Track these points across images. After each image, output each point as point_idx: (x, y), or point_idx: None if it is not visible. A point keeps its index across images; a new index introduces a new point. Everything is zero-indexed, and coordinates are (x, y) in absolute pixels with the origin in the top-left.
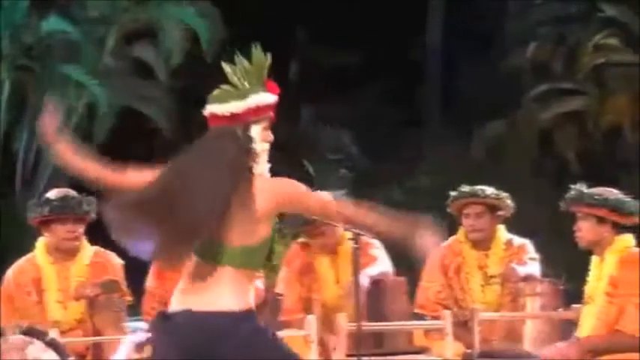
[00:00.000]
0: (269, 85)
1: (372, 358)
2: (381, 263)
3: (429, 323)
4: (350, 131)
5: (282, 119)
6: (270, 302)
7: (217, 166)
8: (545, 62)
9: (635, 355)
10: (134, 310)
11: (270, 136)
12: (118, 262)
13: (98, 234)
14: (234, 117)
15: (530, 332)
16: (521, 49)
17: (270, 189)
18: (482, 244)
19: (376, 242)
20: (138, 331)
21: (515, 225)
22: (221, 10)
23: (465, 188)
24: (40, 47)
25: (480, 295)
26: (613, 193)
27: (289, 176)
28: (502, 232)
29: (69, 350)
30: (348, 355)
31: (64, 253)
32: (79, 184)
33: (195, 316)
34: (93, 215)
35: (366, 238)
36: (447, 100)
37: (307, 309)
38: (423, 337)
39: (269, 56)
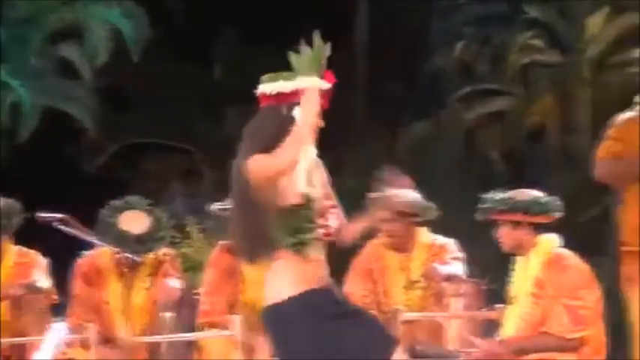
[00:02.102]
0: (326, 74)
1: None
2: None
3: None
4: None
5: (207, 119)
6: (188, 302)
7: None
8: (470, 63)
9: (561, 355)
10: (60, 311)
11: (319, 122)
12: (41, 260)
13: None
14: (280, 96)
15: (454, 332)
16: (447, 49)
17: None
18: (404, 247)
19: None
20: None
21: (440, 225)
22: (147, 11)
23: (378, 194)
24: None
25: (403, 298)
26: (524, 194)
27: (210, 178)
28: (424, 235)
29: None
30: (273, 356)
31: None
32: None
33: None
34: (15, 227)
35: None
36: (372, 100)
37: (231, 310)
38: None
39: (328, 46)
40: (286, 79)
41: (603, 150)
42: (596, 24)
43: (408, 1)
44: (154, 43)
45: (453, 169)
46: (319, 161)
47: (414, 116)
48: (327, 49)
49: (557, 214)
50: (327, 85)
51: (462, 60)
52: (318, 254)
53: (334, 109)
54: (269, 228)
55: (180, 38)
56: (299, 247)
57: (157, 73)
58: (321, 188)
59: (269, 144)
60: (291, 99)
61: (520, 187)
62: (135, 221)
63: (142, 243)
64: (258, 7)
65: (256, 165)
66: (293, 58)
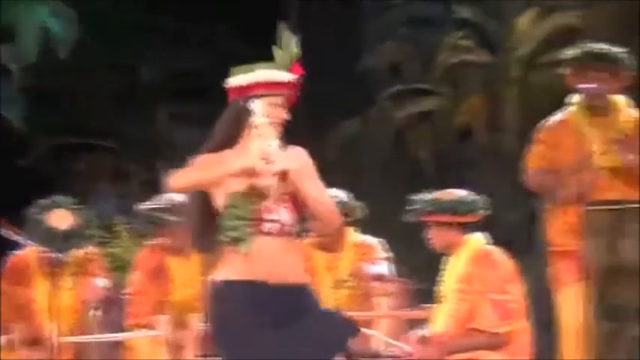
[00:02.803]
0: (293, 67)
1: None
2: None
3: None
4: (205, 131)
5: (136, 121)
6: (115, 302)
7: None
8: (400, 62)
9: (488, 354)
10: None
11: (280, 114)
12: None
13: None
14: (239, 90)
15: (382, 331)
16: (378, 49)
17: None
18: (332, 246)
19: None
20: None
21: (369, 225)
22: (76, 11)
23: None
24: None
25: (331, 298)
26: (451, 194)
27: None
28: (352, 235)
29: None
30: (199, 356)
31: None
32: None
33: None
34: None
35: None
36: (301, 98)
37: (158, 310)
38: None
39: (295, 38)
40: (245, 72)
41: (534, 157)
42: (526, 24)
43: (340, 1)
44: (83, 43)
45: (383, 169)
46: (296, 154)
47: (343, 115)
48: (293, 40)
49: (484, 213)
50: (285, 77)
51: (392, 60)
52: (262, 249)
53: None
54: (214, 222)
55: (109, 38)
56: (235, 242)
57: (87, 73)
58: (284, 181)
59: (223, 138)
60: (248, 92)
61: (448, 187)
62: (62, 219)
63: (69, 240)
64: (187, 7)
65: (191, 166)
66: (275, 52)
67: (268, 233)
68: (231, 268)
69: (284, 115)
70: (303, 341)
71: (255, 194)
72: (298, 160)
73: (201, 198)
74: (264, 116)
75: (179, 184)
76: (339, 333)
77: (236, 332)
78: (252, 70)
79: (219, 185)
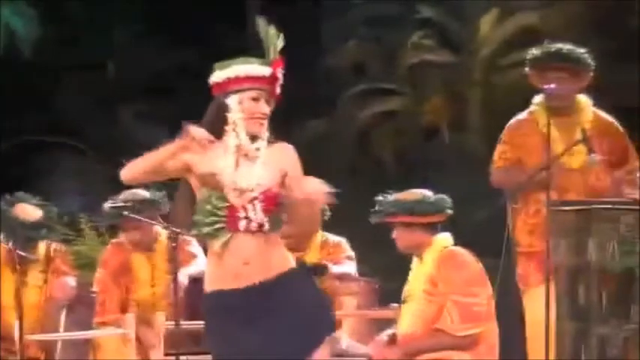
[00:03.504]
0: (274, 61)
1: (190, 357)
2: (200, 261)
3: None
4: (169, 130)
5: (102, 119)
6: (83, 300)
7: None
8: (363, 62)
9: (456, 354)
10: None
11: (259, 108)
12: None
13: None
14: (217, 86)
15: (347, 331)
16: (340, 48)
17: None
18: (298, 246)
19: (193, 240)
20: None
21: (334, 225)
22: (39, 9)
23: None
24: None
25: None
26: (413, 194)
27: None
28: (318, 234)
29: None
30: (166, 354)
31: None
32: None
33: None
34: None
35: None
36: None
37: (124, 308)
38: None
39: (272, 28)
40: (221, 68)
41: (499, 157)
42: (488, 24)
43: (302, 1)
44: (46, 42)
45: (347, 169)
46: (283, 150)
47: (307, 115)
48: (271, 31)
49: (447, 212)
50: (259, 71)
51: (355, 59)
52: (236, 247)
53: None
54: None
55: (73, 37)
56: (207, 238)
57: (50, 71)
58: (260, 180)
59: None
60: (225, 88)
61: (412, 187)
62: (29, 212)
63: (35, 230)
64: (152, 8)
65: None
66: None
67: (242, 231)
68: (208, 274)
69: (264, 109)
70: (282, 340)
71: (219, 188)
72: (287, 159)
73: (188, 189)
74: (240, 111)
75: (130, 173)
76: (315, 330)
77: (222, 340)
78: (229, 66)
79: (163, 171)
